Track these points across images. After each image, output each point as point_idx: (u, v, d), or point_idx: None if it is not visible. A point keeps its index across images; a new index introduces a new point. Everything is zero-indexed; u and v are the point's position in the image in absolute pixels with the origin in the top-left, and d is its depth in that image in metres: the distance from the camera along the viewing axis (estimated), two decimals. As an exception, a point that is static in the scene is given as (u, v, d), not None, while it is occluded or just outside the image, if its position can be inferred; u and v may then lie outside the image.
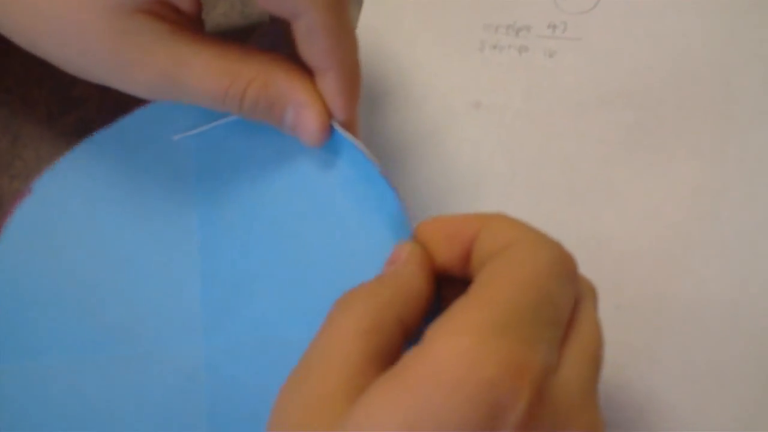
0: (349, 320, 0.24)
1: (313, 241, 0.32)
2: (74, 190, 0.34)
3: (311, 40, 0.29)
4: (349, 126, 0.31)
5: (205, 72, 0.30)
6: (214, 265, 0.33)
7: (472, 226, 0.26)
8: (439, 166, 0.39)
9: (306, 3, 0.28)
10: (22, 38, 0.31)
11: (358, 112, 0.32)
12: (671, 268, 0.36)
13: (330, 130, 0.31)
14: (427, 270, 0.27)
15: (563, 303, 0.24)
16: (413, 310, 0.26)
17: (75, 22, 0.29)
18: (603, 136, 0.38)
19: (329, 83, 0.30)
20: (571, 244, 0.37)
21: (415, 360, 0.21)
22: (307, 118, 0.30)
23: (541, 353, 0.22)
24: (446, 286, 0.28)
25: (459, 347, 0.21)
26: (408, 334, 0.25)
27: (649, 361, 0.35)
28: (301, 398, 0.23)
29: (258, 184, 0.33)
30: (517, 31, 0.40)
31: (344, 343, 0.24)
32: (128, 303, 0.33)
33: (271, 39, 0.35)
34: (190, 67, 0.30)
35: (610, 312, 0.36)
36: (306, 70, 0.31)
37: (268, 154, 0.33)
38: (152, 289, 0.33)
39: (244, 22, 0.41)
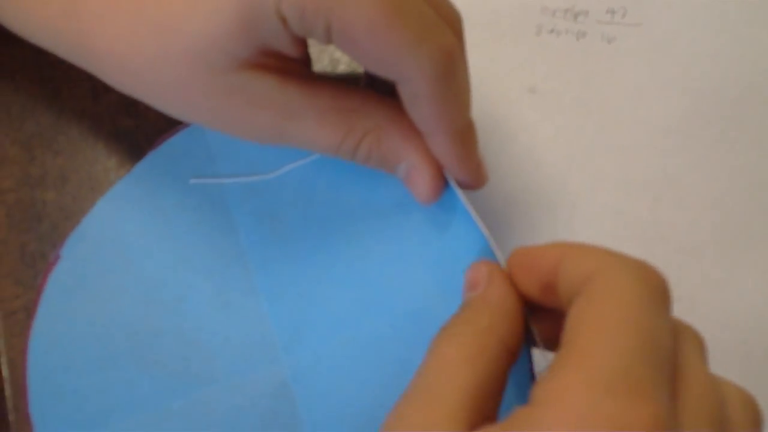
0: (454, 348, 0.24)
1: (382, 255, 0.32)
2: (105, 243, 0.34)
3: (416, 105, 0.28)
4: (473, 180, 0.30)
5: (318, 125, 0.28)
6: (272, 283, 0.33)
7: (550, 256, 0.25)
8: (493, 151, 0.38)
9: (412, 69, 0.26)
10: (118, 87, 0.30)
11: (479, 159, 0.30)
12: (731, 259, 0.35)
13: (442, 191, 0.30)
14: (513, 289, 0.26)
15: (665, 340, 0.22)
16: (513, 330, 0.25)
17: (176, 82, 0.28)
18: (661, 124, 0.38)
19: (437, 146, 0.29)
20: (627, 234, 0.36)
21: (527, 421, 0.21)
22: (419, 180, 0.29)
23: (657, 408, 0.20)
24: (533, 314, 0.27)
25: (570, 413, 0.20)
26: (512, 355, 0.25)
27: (709, 357, 0.34)
28: (411, 426, 0.23)
29: (316, 202, 0.33)
30: (575, 16, 0.39)
31: (452, 370, 0.23)
32: (192, 342, 0.32)
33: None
34: (301, 120, 0.28)
35: (668, 304, 0.35)
36: None
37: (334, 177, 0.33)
38: (214, 322, 0.32)
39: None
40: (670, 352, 0.22)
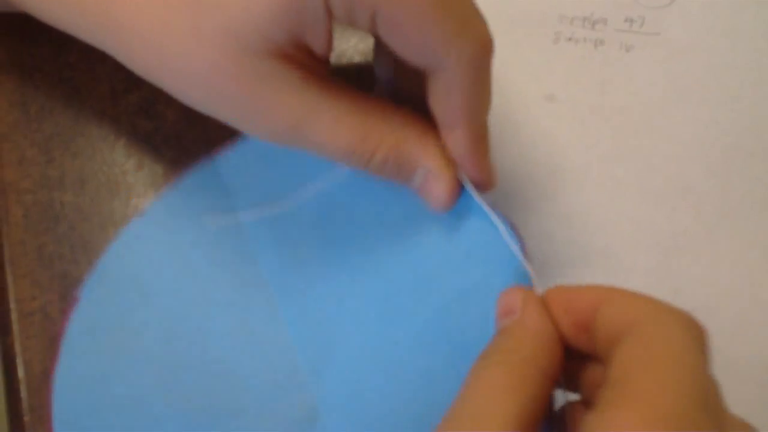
0: (497, 378, 0.24)
1: (402, 270, 0.32)
2: (123, 282, 0.34)
3: (447, 96, 0.28)
4: (485, 180, 0.30)
5: (335, 127, 0.28)
6: (295, 309, 0.33)
7: (589, 297, 0.26)
8: (510, 158, 0.38)
9: (452, 58, 0.26)
10: (141, 71, 0.30)
11: (490, 161, 0.31)
12: (749, 269, 0.35)
13: (458, 197, 0.30)
14: (549, 316, 0.26)
15: (711, 384, 0.23)
16: (553, 359, 0.25)
17: (204, 63, 0.27)
18: (678, 133, 0.38)
19: (458, 141, 0.29)
20: (644, 243, 0.36)
21: None
22: (436, 187, 0.29)
23: None
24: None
25: None
26: (553, 383, 0.25)
27: (724, 365, 0.34)
28: None
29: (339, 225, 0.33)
30: (593, 24, 0.39)
31: (497, 398, 0.23)
32: (218, 375, 0.32)
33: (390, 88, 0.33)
34: (319, 119, 0.28)
35: (685, 313, 0.35)
36: (437, 131, 0.30)
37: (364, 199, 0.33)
38: (239, 353, 0.32)
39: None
40: (718, 399, 0.23)
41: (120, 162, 0.39)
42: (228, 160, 0.35)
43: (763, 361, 0.35)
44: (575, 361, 0.27)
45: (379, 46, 0.32)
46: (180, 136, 0.39)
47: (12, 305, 0.37)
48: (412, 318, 0.31)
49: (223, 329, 0.33)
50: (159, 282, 0.33)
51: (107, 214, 0.38)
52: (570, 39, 0.39)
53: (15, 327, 0.37)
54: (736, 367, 0.34)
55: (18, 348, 0.37)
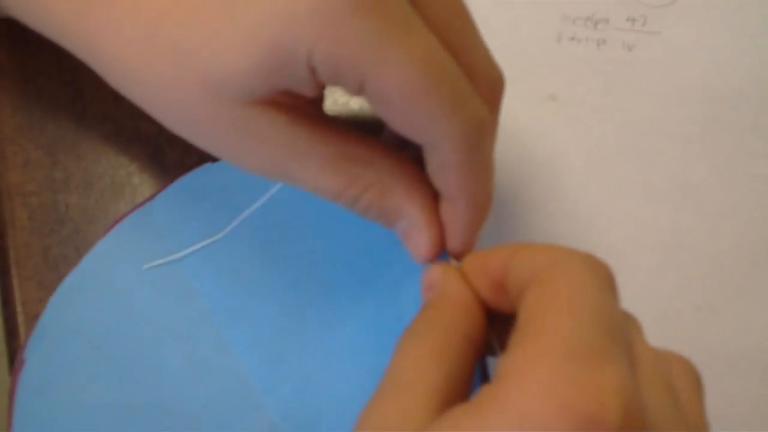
0: (420, 346, 0.24)
1: (345, 275, 0.33)
2: (66, 337, 0.34)
3: (443, 172, 0.27)
4: (466, 250, 0.30)
5: (321, 170, 0.28)
6: (241, 333, 0.33)
7: (499, 257, 0.26)
8: (513, 158, 0.38)
9: (444, 138, 0.26)
10: (124, 94, 0.30)
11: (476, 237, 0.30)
12: (751, 267, 0.35)
13: (440, 252, 0.29)
14: (468, 284, 0.27)
15: (619, 316, 0.23)
16: (474, 323, 0.26)
17: (187, 109, 0.27)
18: (681, 132, 0.38)
19: (455, 212, 0.28)
20: (648, 242, 0.36)
21: (493, 397, 0.21)
22: (418, 239, 0.29)
23: (620, 372, 0.21)
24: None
25: (535, 378, 0.20)
26: (477, 347, 0.25)
27: (727, 363, 0.35)
28: (379, 418, 0.23)
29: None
30: (595, 23, 0.39)
31: (419, 367, 0.23)
32: (174, 410, 0.32)
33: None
34: (305, 162, 0.28)
35: (689, 313, 0.35)
36: (427, 183, 0.29)
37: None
38: (192, 386, 0.32)
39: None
40: (624, 327, 0.23)
41: (125, 164, 0.39)
42: (160, 203, 0.36)
43: (765, 356, 0.35)
44: (500, 324, 0.27)
45: None
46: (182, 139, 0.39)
47: (18, 308, 0.37)
48: (357, 320, 0.32)
49: (174, 366, 0.33)
50: (103, 329, 0.34)
51: (112, 216, 0.38)
52: (572, 38, 0.39)
53: (21, 329, 0.37)
54: (740, 363, 0.34)
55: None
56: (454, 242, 0.29)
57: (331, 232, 0.34)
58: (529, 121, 0.39)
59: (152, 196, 0.36)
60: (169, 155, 0.39)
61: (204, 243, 0.34)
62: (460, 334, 0.25)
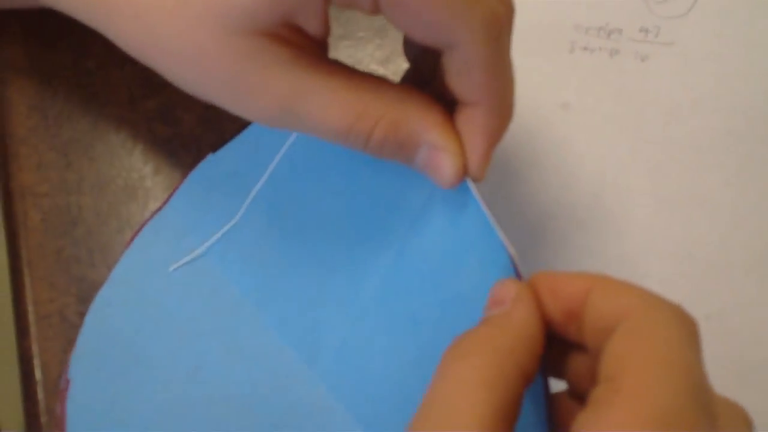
0: (471, 371, 0.23)
1: (386, 250, 0.32)
2: (106, 351, 0.34)
3: (465, 73, 0.26)
4: (483, 167, 0.28)
5: (329, 105, 0.27)
6: (277, 312, 0.33)
7: (578, 284, 0.25)
8: (525, 166, 0.39)
9: (464, 33, 0.25)
10: (132, 51, 0.29)
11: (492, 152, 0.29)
12: (762, 277, 0.35)
13: (465, 172, 0.28)
14: (539, 313, 0.25)
15: (705, 380, 0.22)
16: (532, 356, 0.24)
17: (193, 42, 0.26)
18: (693, 142, 0.38)
19: (477, 118, 0.27)
20: (659, 251, 0.36)
21: None
22: (442, 161, 0.27)
23: None
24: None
25: None
26: (528, 380, 0.24)
27: (738, 373, 0.35)
28: None
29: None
30: (608, 34, 0.40)
31: (469, 395, 0.22)
32: (223, 401, 0.32)
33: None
34: (311, 97, 0.27)
35: (700, 322, 0.35)
36: (441, 106, 0.28)
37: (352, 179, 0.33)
38: (237, 374, 0.32)
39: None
40: (710, 391, 0.22)
41: (138, 167, 0.39)
42: (174, 205, 0.36)
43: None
44: (560, 349, 0.26)
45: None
46: (198, 141, 0.39)
47: (30, 308, 0.37)
48: (381, 270, 0.31)
49: (215, 358, 0.33)
50: (141, 337, 0.34)
51: (125, 218, 0.38)
52: (585, 48, 0.40)
53: (32, 329, 0.37)
54: (751, 373, 0.34)
55: (35, 350, 0.37)
56: (474, 154, 0.28)
57: (342, 190, 0.33)
58: (541, 129, 0.39)
59: (166, 200, 0.36)
60: (182, 158, 0.39)
61: (222, 231, 0.34)
62: (515, 365, 0.23)
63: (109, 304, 0.35)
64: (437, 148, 0.27)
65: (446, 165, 0.28)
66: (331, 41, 0.29)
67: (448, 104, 0.29)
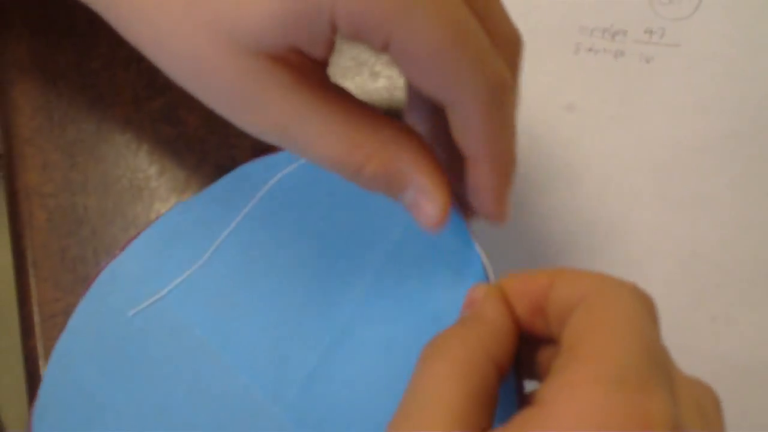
0: (443, 365, 0.24)
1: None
2: (71, 401, 0.34)
3: (466, 131, 0.27)
4: (500, 215, 0.29)
5: (322, 135, 0.27)
6: (240, 351, 0.33)
7: (540, 280, 0.26)
8: (530, 168, 0.39)
9: (467, 95, 0.26)
10: (136, 43, 0.29)
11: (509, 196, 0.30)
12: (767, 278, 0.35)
13: (449, 218, 0.29)
14: (507, 307, 0.26)
15: (661, 347, 0.23)
16: (503, 348, 0.25)
17: (194, 51, 0.26)
18: (699, 144, 0.38)
19: (481, 175, 0.28)
20: (664, 253, 0.36)
21: (535, 420, 0.21)
22: (426, 206, 0.28)
23: (666, 401, 0.21)
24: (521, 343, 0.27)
25: (581, 405, 0.20)
26: (502, 374, 0.25)
27: (744, 375, 0.35)
28: None
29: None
30: (613, 35, 0.40)
31: (442, 388, 0.23)
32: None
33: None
34: (307, 124, 0.27)
35: (705, 323, 0.35)
36: (432, 150, 0.29)
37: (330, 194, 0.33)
38: (204, 416, 0.32)
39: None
40: (667, 357, 0.23)
41: (143, 167, 0.39)
42: (131, 253, 0.35)
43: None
44: (532, 347, 0.27)
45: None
46: (202, 141, 0.39)
47: (35, 308, 0.37)
48: (349, 305, 0.32)
49: (178, 402, 0.33)
50: (105, 386, 0.33)
51: (130, 219, 0.38)
52: (590, 50, 0.40)
53: (37, 329, 0.37)
54: (756, 374, 0.34)
55: (40, 350, 0.37)
56: (485, 205, 0.29)
57: (317, 230, 0.34)
58: (546, 131, 0.39)
59: (122, 247, 0.35)
60: (187, 159, 0.39)
61: (186, 275, 0.34)
62: (486, 357, 0.24)
63: (69, 354, 0.34)
64: (424, 192, 0.28)
65: (430, 210, 0.28)
66: (336, 41, 0.29)
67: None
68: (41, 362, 0.37)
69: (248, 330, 0.33)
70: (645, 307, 0.24)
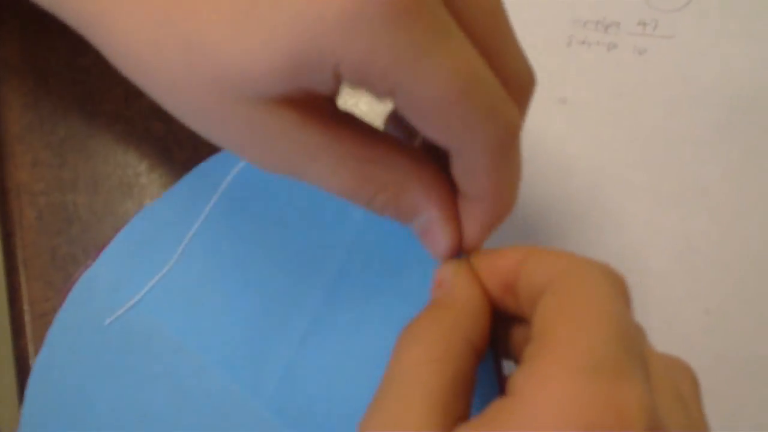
0: (419, 350, 0.24)
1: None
2: (51, 414, 0.34)
3: (470, 175, 0.26)
4: (476, 245, 0.29)
5: (333, 171, 0.26)
6: (219, 352, 0.33)
7: (512, 257, 0.26)
8: (524, 161, 0.38)
9: (475, 144, 0.25)
10: (133, 80, 0.28)
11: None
12: (762, 271, 0.35)
13: (457, 250, 0.28)
14: (479, 285, 0.26)
15: (634, 328, 0.23)
16: (479, 328, 0.25)
17: (194, 100, 0.26)
18: (693, 136, 0.38)
19: (478, 211, 0.27)
20: (658, 246, 0.36)
21: (508, 412, 0.21)
22: (437, 237, 0.28)
23: (641, 389, 0.20)
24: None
25: (555, 395, 0.20)
26: (479, 355, 0.25)
27: (737, 366, 0.34)
28: (378, 423, 0.23)
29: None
30: (606, 28, 0.39)
31: (419, 373, 0.23)
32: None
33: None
34: (316, 163, 0.26)
35: (699, 316, 0.35)
36: (446, 180, 0.28)
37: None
38: (185, 414, 0.32)
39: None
40: (640, 339, 0.23)
41: (133, 164, 0.39)
42: (103, 262, 0.35)
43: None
44: (504, 325, 0.27)
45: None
46: (193, 138, 0.39)
47: (25, 307, 0.37)
48: (322, 294, 0.32)
49: (159, 407, 0.33)
50: (86, 397, 0.33)
51: (121, 216, 0.38)
52: (583, 42, 0.39)
53: (28, 329, 0.37)
54: (750, 368, 0.34)
55: (31, 350, 0.37)
56: (470, 239, 0.28)
57: (281, 218, 0.34)
58: (539, 124, 0.39)
59: (95, 257, 0.35)
60: (177, 155, 0.39)
61: (155, 279, 0.34)
62: (462, 339, 0.24)
63: (48, 368, 0.34)
64: (434, 223, 0.28)
65: (440, 241, 0.28)
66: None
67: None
68: (32, 361, 0.36)
69: (223, 327, 0.33)
70: (616, 287, 0.23)
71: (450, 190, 0.28)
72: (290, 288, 0.33)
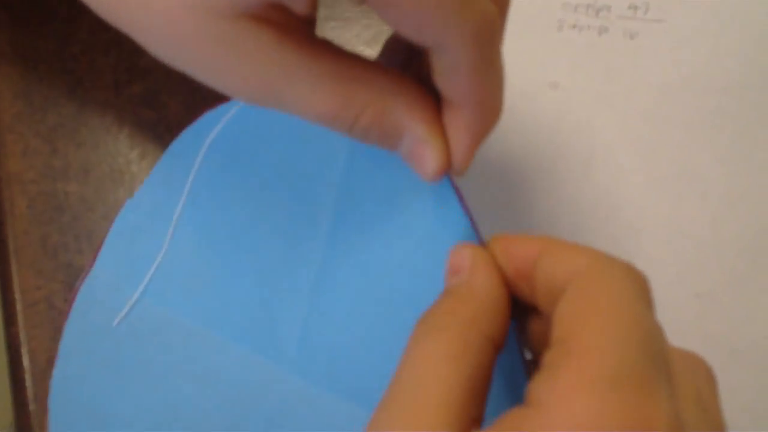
0: (437, 345, 0.23)
1: (375, 248, 0.31)
2: (76, 417, 0.34)
3: (453, 75, 0.25)
4: (466, 163, 0.28)
5: (312, 90, 0.26)
6: (229, 329, 0.33)
7: (528, 247, 0.25)
8: (515, 145, 0.38)
9: (452, 36, 0.24)
10: (104, 13, 0.27)
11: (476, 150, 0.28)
12: (752, 255, 0.35)
13: (448, 168, 0.27)
14: (498, 275, 0.25)
15: (657, 331, 0.22)
16: (498, 323, 0.24)
17: (166, 19, 0.25)
18: (684, 120, 0.37)
19: (462, 118, 0.26)
20: (649, 230, 0.36)
21: (528, 424, 0.20)
22: (425, 155, 0.27)
23: (666, 401, 0.20)
24: None
25: (578, 409, 0.19)
26: (497, 349, 0.24)
27: (727, 351, 0.34)
28: (394, 420, 0.22)
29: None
30: (597, 11, 0.39)
31: (435, 369, 0.22)
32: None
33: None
34: (296, 82, 0.25)
35: (689, 300, 0.35)
36: (431, 95, 0.27)
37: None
38: (211, 397, 0.32)
39: None
40: (662, 343, 0.22)
41: (124, 152, 0.39)
42: (101, 264, 0.35)
43: (767, 343, 0.35)
44: (519, 312, 0.26)
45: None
46: (183, 125, 0.39)
47: (17, 295, 0.37)
48: (352, 263, 0.31)
49: (189, 392, 0.33)
50: (110, 401, 0.33)
51: (111, 204, 0.38)
52: (574, 26, 0.39)
53: (20, 317, 0.37)
54: (740, 351, 0.34)
55: (23, 338, 0.37)
56: (458, 153, 0.27)
57: (263, 178, 0.33)
58: (530, 109, 0.39)
59: (92, 261, 0.35)
60: (168, 143, 0.39)
61: (151, 271, 0.34)
62: (482, 335, 0.23)
63: (66, 381, 0.34)
64: (421, 141, 0.27)
65: (429, 159, 0.27)
66: (318, 22, 0.28)
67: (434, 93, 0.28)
68: (24, 349, 0.36)
69: (231, 301, 0.33)
70: (639, 289, 0.22)
71: (434, 107, 0.27)
72: (288, 246, 0.32)
